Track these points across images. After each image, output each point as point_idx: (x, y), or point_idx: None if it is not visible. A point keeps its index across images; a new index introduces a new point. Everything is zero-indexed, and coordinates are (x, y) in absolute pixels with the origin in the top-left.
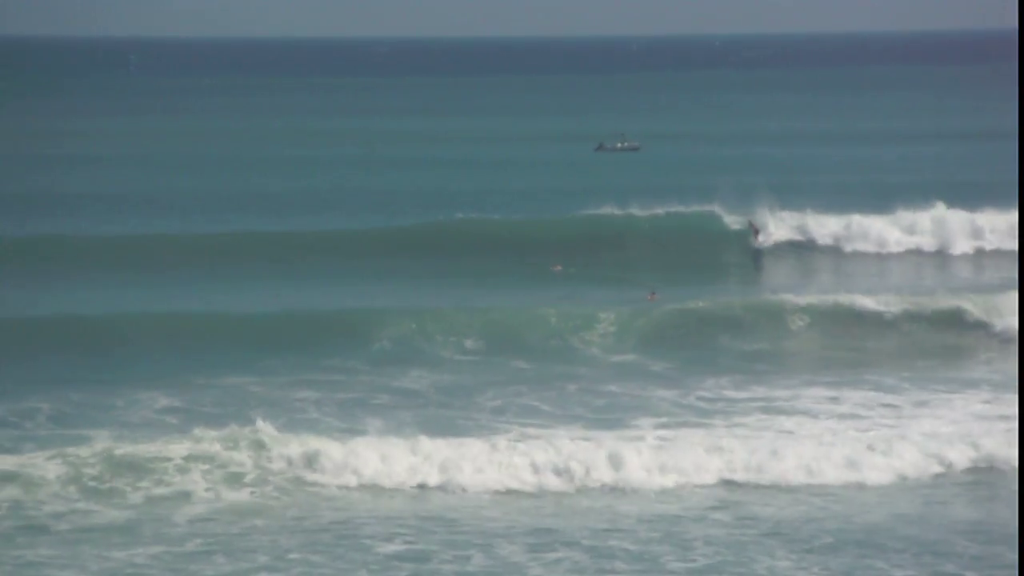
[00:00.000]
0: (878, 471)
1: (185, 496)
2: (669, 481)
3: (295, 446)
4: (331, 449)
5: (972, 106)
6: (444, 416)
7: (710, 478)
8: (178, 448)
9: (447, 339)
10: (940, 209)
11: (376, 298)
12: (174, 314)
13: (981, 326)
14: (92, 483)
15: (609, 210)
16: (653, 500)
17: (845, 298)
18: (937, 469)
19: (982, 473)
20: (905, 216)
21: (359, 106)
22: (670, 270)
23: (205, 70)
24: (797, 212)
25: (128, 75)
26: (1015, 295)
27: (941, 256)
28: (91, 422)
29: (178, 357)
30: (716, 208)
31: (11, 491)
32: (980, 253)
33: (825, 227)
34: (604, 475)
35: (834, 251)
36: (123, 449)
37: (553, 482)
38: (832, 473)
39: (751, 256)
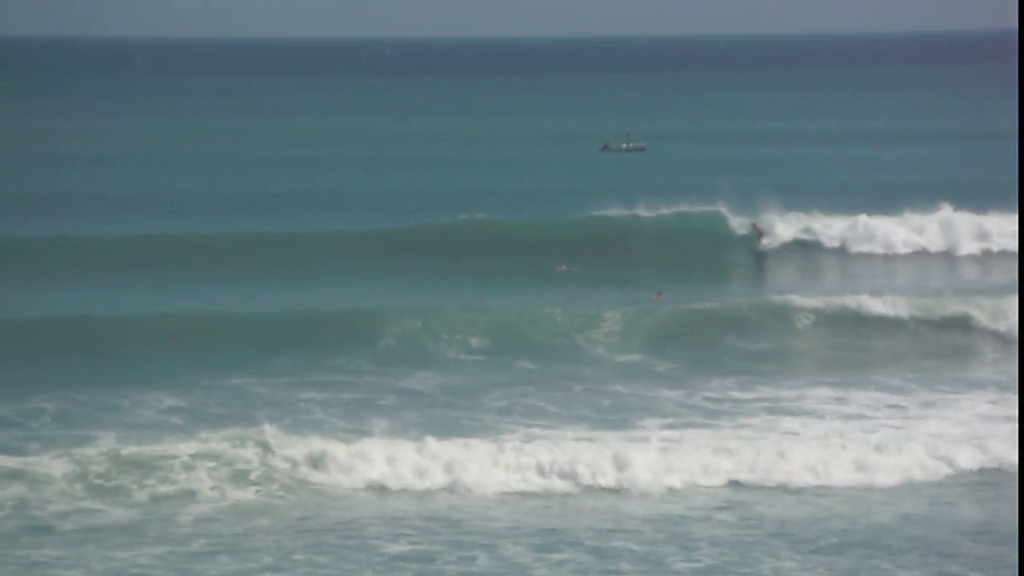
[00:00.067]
0: (884, 472)
1: (190, 496)
2: (674, 482)
3: (300, 447)
4: (336, 450)
5: (974, 106)
6: (449, 417)
7: (715, 479)
8: (183, 449)
9: (452, 339)
10: (946, 210)
11: (381, 298)
12: (179, 315)
13: (987, 327)
14: (97, 483)
15: (614, 211)
16: (658, 501)
17: (851, 299)
18: (943, 470)
19: (988, 474)
20: (910, 217)
21: (362, 106)
22: (676, 271)
23: (208, 70)
24: (802, 213)
25: (132, 75)
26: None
27: (947, 257)
28: (96, 422)
29: (183, 358)
30: (721, 209)
31: (16, 491)
32: (986, 254)
33: (830, 228)
34: (609, 476)
35: (839, 252)
36: (128, 449)
37: (558, 483)
38: (838, 474)
39: (756, 257)
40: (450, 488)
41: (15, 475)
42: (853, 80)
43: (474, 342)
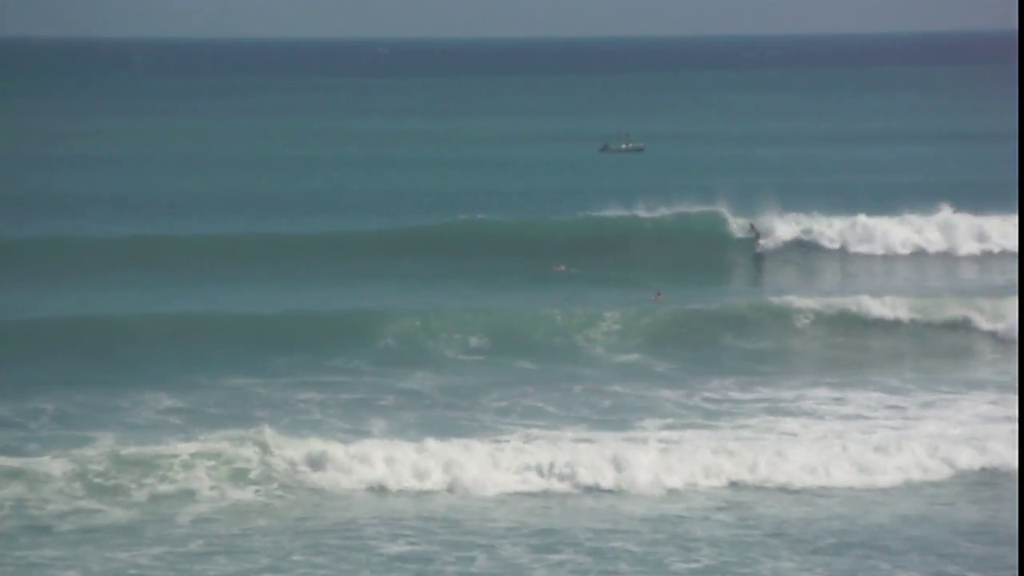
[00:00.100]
0: (883, 472)
1: (189, 497)
2: (673, 482)
3: (299, 447)
4: (335, 450)
5: (973, 107)
6: (448, 417)
7: (715, 479)
8: (182, 449)
9: (451, 340)
10: (945, 210)
11: (380, 299)
12: (178, 315)
13: (986, 328)
14: (95, 483)
15: (614, 211)
16: (657, 501)
17: (850, 299)
18: (942, 471)
19: (988, 475)
20: (910, 217)
21: (362, 107)
22: (675, 271)
23: (208, 71)
24: (802, 213)
25: (132, 76)
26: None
27: (946, 258)
28: (95, 423)
29: (182, 358)
30: (721, 209)
31: (14, 491)
32: (985, 255)
33: (830, 228)
34: (608, 477)
35: (839, 252)
36: (127, 450)
37: (557, 484)
38: (837, 474)
39: (755, 257)
40: (449, 489)
41: (14, 475)
42: (852, 80)
43: (473, 342)
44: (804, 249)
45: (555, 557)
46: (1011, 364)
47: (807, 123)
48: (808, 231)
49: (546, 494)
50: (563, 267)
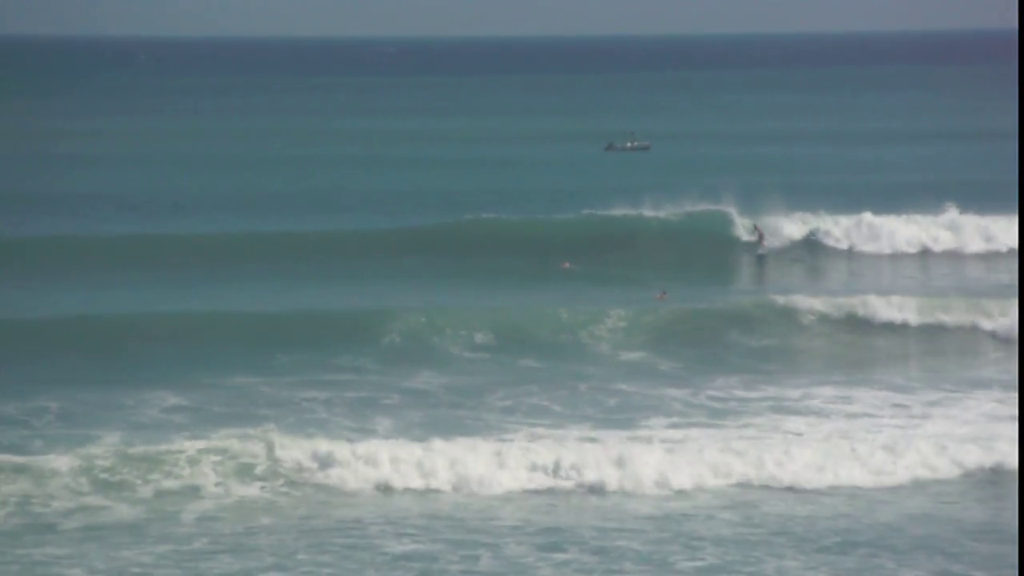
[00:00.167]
0: (889, 471)
1: (193, 495)
2: (679, 481)
3: (304, 446)
4: (340, 449)
5: (978, 106)
6: (454, 416)
7: (720, 478)
8: (186, 448)
9: (457, 338)
10: (951, 210)
11: (385, 298)
12: (183, 314)
13: (992, 327)
14: (100, 481)
15: (619, 210)
16: (663, 500)
17: (855, 298)
18: (949, 470)
19: (993, 474)
20: (915, 217)
21: (366, 106)
22: (680, 270)
23: (212, 70)
24: (807, 212)
25: (137, 75)
26: None
27: (952, 257)
28: (99, 422)
29: (187, 357)
30: (726, 208)
31: (19, 489)
32: (991, 254)
33: (835, 227)
34: (613, 475)
35: (844, 251)
36: (131, 448)
37: (562, 482)
38: (842, 473)
39: (759, 257)
40: (454, 487)
41: (18, 474)
42: (856, 79)
43: (478, 341)
44: (809, 248)
45: (560, 556)
46: (1016, 363)
47: (812, 122)
48: (814, 230)
49: (551, 493)
50: (568, 265)
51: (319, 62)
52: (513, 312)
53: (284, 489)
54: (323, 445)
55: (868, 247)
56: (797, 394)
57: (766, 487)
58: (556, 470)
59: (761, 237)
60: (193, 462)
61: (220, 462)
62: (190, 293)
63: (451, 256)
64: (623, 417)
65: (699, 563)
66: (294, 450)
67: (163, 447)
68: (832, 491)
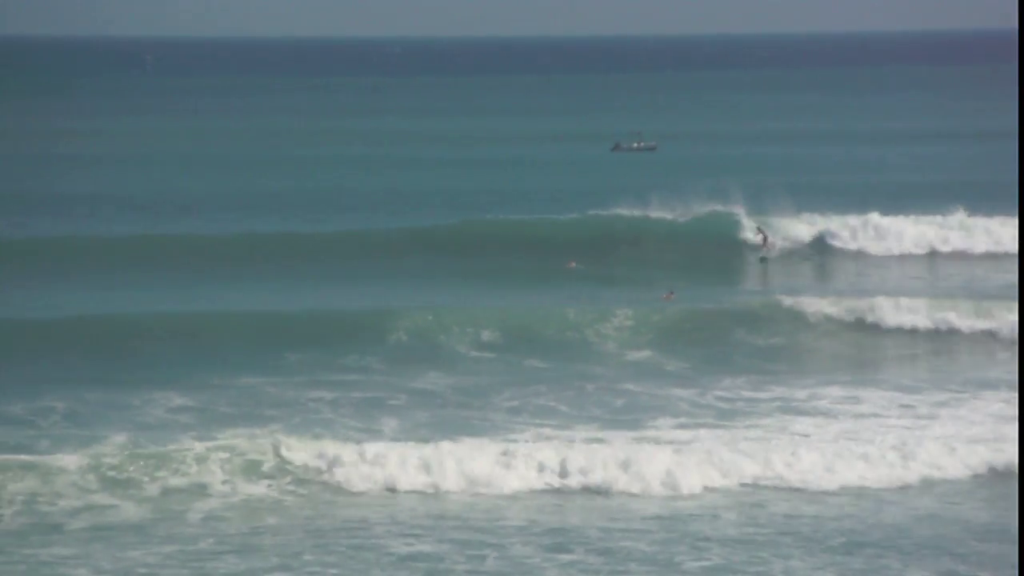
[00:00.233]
0: (896, 472)
1: (200, 495)
2: (686, 482)
3: (310, 446)
4: (346, 450)
5: (984, 106)
6: (460, 416)
7: (727, 479)
8: (192, 448)
9: (463, 338)
10: (959, 210)
11: (392, 298)
12: (189, 314)
13: (999, 328)
14: (106, 481)
15: (626, 210)
16: (669, 500)
17: (863, 299)
18: (955, 470)
19: (1000, 474)
20: (922, 217)
21: (372, 106)
22: (687, 270)
23: (220, 70)
24: (815, 213)
25: (144, 75)
26: None
27: (960, 257)
28: (105, 421)
29: (192, 357)
30: (733, 208)
31: (26, 488)
32: (999, 255)
33: (842, 227)
34: (620, 476)
35: (851, 252)
36: (137, 449)
37: (569, 483)
38: (849, 474)
39: (765, 259)
40: (460, 488)
41: (25, 473)
42: (863, 79)
43: (485, 341)
44: (817, 248)
45: (566, 557)
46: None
47: (817, 122)
48: (821, 230)
49: (557, 493)
50: (575, 264)
51: (325, 62)
52: (520, 312)
53: (290, 488)
54: (329, 446)
55: (875, 247)
56: (804, 395)
57: (773, 487)
58: (563, 471)
59: (765, 240)
60: (201, 459)
61: (225, 463)
62: (196, 293)
63: (457, 256)
64: (630, 418)
65: (705, 563)
66: (300, 451)
67: (170, 448)
68: (839, 491)
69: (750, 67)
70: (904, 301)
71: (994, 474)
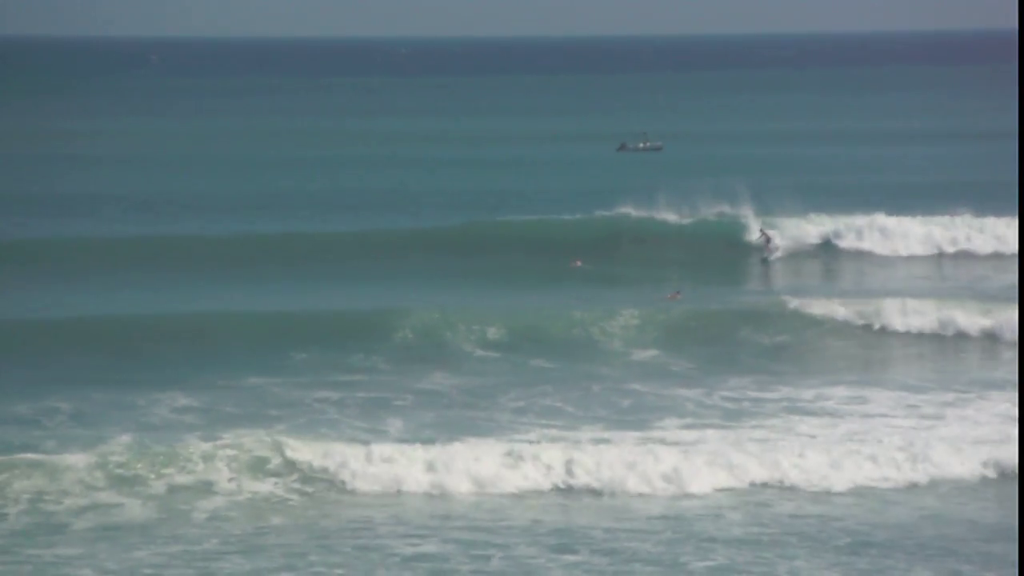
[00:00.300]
0: (901, 472)
1: (205, 495)
2: (692, 482)
3: (315, 447)
4: (351, 450)
5: (993, 105)
6: (465, 417)
7: (733, 479)
8: (197, 448)
9: (469, 338)
10: (966, 211)
11: (397, 298)
12: (194, 314)
13: (1005, 328)
14: (114, 477)
15: (631, 210)
16: (675, 501)
17: (869, 299)
18: (961, 470)
19: (1006, 475)
20: (928, 218)
21: (379, 107)
22: (693, 270)
23: (225, 71)
24: (820, 213)
25: (149, 75)
26: None
27: (966, 258)
28: (111, 421)
29: (198, 357)
30: (739, 209)
31: (32, 487)
32: (1005, 256)
33: (848, 228)
34: (626, 476)
35: (856, 252)
36: (142, 449)
37: (574, 483)
38: (855, 474)
39: (771, 260)
40: (465, 488)
41: (31, 471)
42: (870, 79)
43: (490, 341)
44: (822, 249)
45: (571, 557)
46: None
47: (826, 123)
48: (827, 231)
49: (563, 493)
50: (580, 263)
51: (331, 63)
52: (526, 312)
53: (295, 487)
54: (334, 446)
55: (881, 248)
56: (810, 395)
57: (778, 487)
58: (568, 471)
59: (768, 242)
60: (208, 457)
61: (231, 463)
62: (200, 294)
63: (463, 257)
64: (636, 418)
65: (710, 564)
66: (305, 451)
67: (175, 448)
68: (844, 492)
69: (757, 67)
70: (910, 301)
71: (1000, 474)
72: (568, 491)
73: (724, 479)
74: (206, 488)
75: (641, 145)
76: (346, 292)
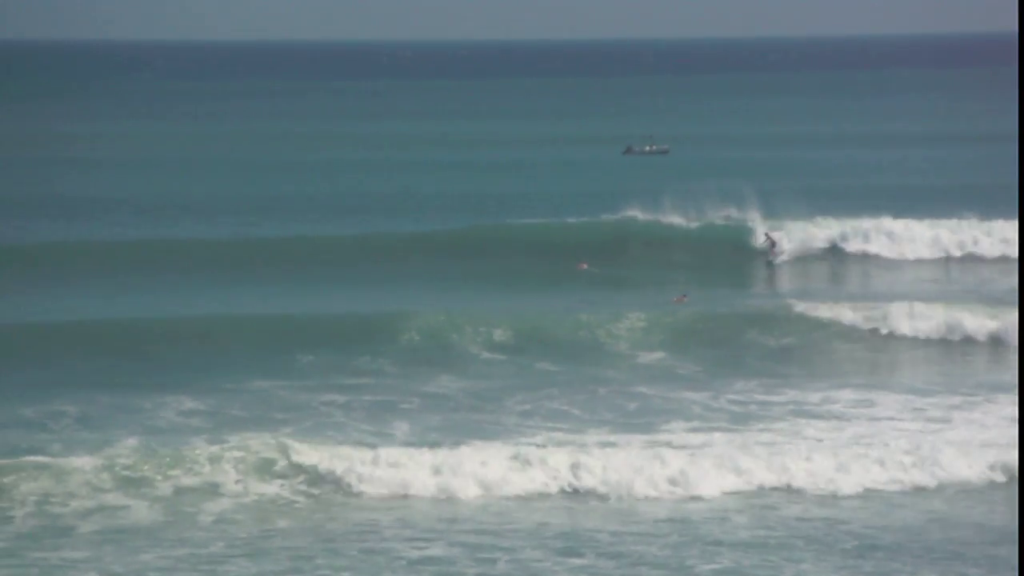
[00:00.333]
0: (908, 475)
1: (211, 497)
2: (699, 485)
3: (321, 450)
4: (357, 453)
5: (991, 108)
6: (472, 420)
7: (739, 482)
8: (204, 451)
9: (475, 341)
10: (971, 214)
11: (403, 301)
12: (200, 318)
13: (1012, 332)
14: (121, 478)
15: (637, 213)
16: (680, 504)
17: (875, 302)
18: (968, 473)
19: (1013, 477)
20: (935, 221)
21: (383, 110)
22: (699, 273)
23: (228, 74)
24: (826, 216)
25: (154, 79)
26: None
27: (973, 261)
28: (117, 424)
29: (205, 361)
30: (746, 212)
31: (38, 490)
32: (1010, 259)
33: (854, 231)
34: (632, 479)
35: (862, 256)
36: (148, 452)
37: (580, 487)
38: (861, 477)
39: (777, 263)
40: (472, 492)
41: (38, 474)
42: (874, 83)
43: (497, 343)
44: (829, 252)
45: (577, 561)
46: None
47: (832, 126)
48: (833, 234)
49: (569, 497)
50: (586, 265)
51: (335, 66)
52: (531, 315)
53: (302, 490)
54: (341, 449)
55: (888, 252)
56: (817, 398)
57: (785, 491)
58: (574, 475)
59: (773, 245)
60: (214, 459)
61: (237, 466)
62: (205, 297)
63: (468, 260)
64: (642, 421)
65: (716, 567)
66: (311, 454)
67: (182, 451)
68: (851, 495)
69: (754, 70)
70: (917, 305)
71: (1008, 478)
72: (574, 494)
73: (731, 482)
74: (212, 491)
75: (647, 148)
76: (351, 295)
